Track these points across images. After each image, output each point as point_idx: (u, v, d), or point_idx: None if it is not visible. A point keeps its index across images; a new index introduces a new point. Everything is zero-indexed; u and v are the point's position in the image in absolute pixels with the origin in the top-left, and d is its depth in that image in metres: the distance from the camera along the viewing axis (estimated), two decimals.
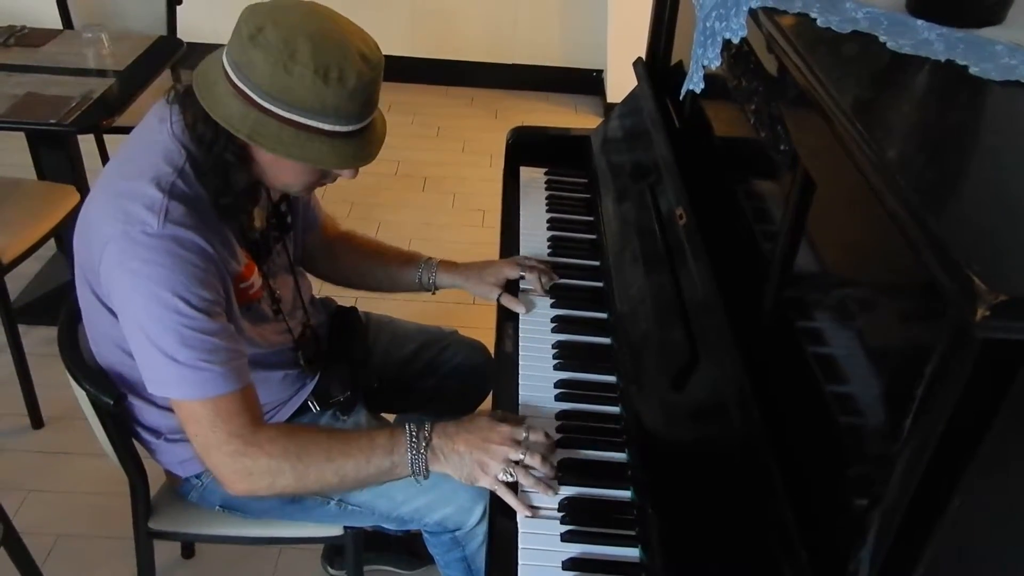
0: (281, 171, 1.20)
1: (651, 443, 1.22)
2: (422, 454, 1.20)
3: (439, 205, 3.35)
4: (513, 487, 1.19)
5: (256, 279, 1.29)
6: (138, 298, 1.11)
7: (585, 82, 4.26)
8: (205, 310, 1.13)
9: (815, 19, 0.96)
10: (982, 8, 0.94)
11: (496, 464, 1.19)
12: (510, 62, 4.27)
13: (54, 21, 2.84)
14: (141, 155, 1.18)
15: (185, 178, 1.15)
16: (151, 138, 1.19)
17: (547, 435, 1.25)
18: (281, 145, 1.11)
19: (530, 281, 1.56)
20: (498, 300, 1.55)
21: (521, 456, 1.20)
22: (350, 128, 1.13)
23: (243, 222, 1.25)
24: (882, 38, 0.91)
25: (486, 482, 1.20)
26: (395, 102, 3.79)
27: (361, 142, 1.16)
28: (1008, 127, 0.83)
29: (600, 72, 4.24)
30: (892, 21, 0.94)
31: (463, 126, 3.97)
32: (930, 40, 0.90)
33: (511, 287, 1.58)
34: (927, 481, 0.67)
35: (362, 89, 1.10)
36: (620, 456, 1.27)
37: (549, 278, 1.58)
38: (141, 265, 1.10)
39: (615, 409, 1.35)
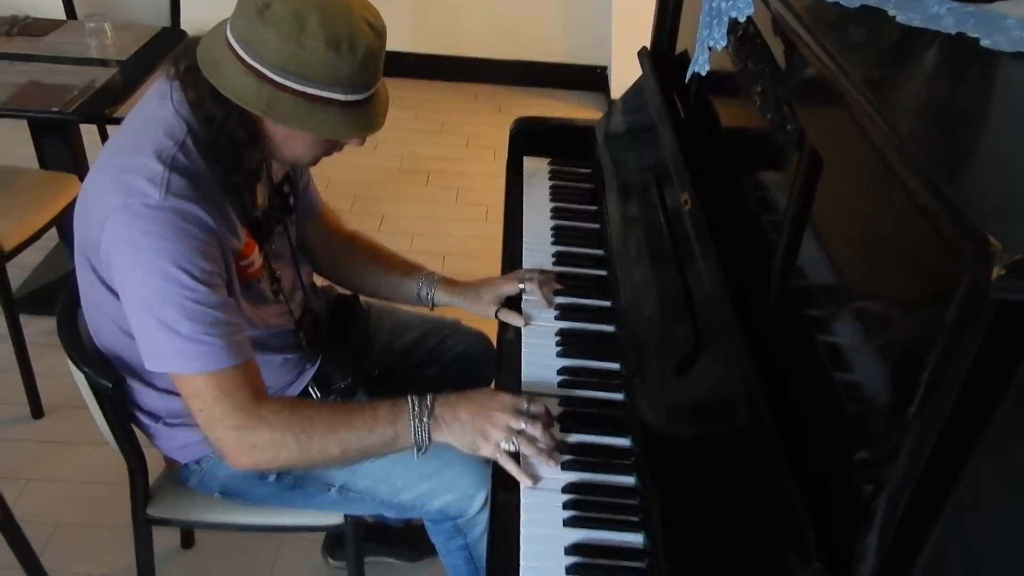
0: (293, 144, 1.20)
1: (654, 428, 1.21)
2: (425, 422, 1.20)
3: (442, 199, 3.34)
4: (515, 458, 1.19)
5: (256, 258, 1.28)
6: (140, 271, 1.11)
7: (589, 78, 4.25)
8: (207, 282, 1.13)
9: None
10: None
11: (498, 432, 1.19)
12: (514, 58, 4.26)
13: (58, 11, 2.83)
14: (142, 130, 1.17)
15: (186, 152, 1.14)
16: (152, 114, 1.18)
17: (547, 408, 1.24)
18: (296, 119, 1.11)
19: (532, 291, 1.52)
20: (496, 315, 1.52)
21: (523, 425, 1.20)
22: (360, 97, 1.14)
23: (245, 199, 1.24)
24: (891, 12, 0.90)
25: (487, 450, 1.20)
26: (398, 97, 3.74)
27: (371, 110, 1.17)
28: (1020, 97, 0.81)
29: (604, 68, 4.22)
30: None
31: (467, 121, 3.95)
32: (940, 14, 0.89)
33: (512, 304, 1.53)
34: (939, 453, 0.66)
35: (371, 57, 1.12)
36: (623, 442, 1.25)
37: (551, 288, 1.54)
38: (143, 237, 1.10)
39: (619, 396, 1.34)
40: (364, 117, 1.16)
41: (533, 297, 1.52)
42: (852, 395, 0.81)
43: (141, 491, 1.45)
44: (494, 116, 4.00)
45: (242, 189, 1.22)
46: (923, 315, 0.68)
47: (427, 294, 1.56)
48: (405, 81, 4.04)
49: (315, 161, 1.28)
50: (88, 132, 2.63)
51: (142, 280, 1.11)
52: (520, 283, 1.53)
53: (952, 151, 0.69)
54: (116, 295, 1.18)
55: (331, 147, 1.24)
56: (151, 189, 1.10)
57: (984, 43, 0.83)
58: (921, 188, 0.62)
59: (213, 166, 1.17)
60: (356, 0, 1.14)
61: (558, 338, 1.45)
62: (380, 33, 1.13)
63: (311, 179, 1.54)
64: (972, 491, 0.67)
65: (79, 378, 1.32)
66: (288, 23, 1.06)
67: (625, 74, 3.53)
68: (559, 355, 1.42)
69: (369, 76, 1.13)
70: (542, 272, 1.56)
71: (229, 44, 1.11)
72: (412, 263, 1.61)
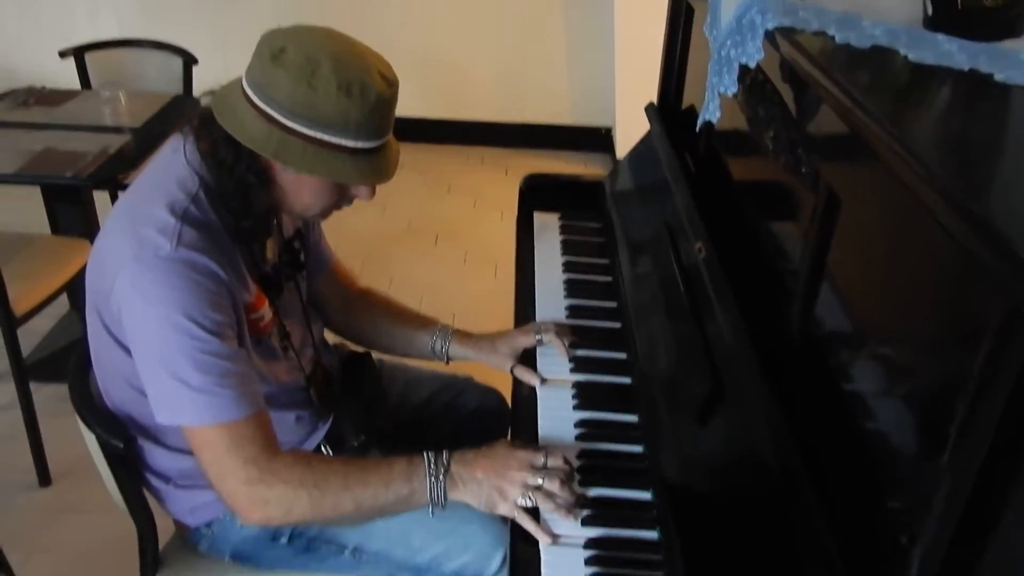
0: (302, 191, 1.20)
1: (676, 480, 1.18)
2: (441, 480, 1.17)
3: (451, 259, 3.35)
4: (534, 515, 1.16)
5: (266, 311, 1.27)
6: (151, 321, 1.10)
7: (594, 140, 4.30)
8: (218, 333, 1.12)
9: (833, 36, 0.96)
10: (1002, 21, 0.93)
11: (515, 490, 1.16)
12: (519, 121, 4.33)
13: (73, 82, 2.89)
14: (155, 183, 1.18)
15: (198, 204, 1.15)
16: (165, 167, 1.19)
17: (566, 460, 1.21)
18: (305, 162, 1.12)
19: (549, 342, 1.50)
20: (512, 371, 1.50)
21: (540, 481, 1.17)
22: (370, 145, 1.15)
23: (256, 251, 1.24)
24: (902, 51, 0.91)
25: (505, 509, 1.17)
26: (406, 160, 3.74)
27: (381, 160, 1.17)
28: None
29: (609, 130, 4.28)
30: (911, 35, 0.94)
31: (474, 183, 3.99)
32: (951, 52, 0.89)
33: (527, 357, 1.51)
34: (977, 496, 0.63)
35: (382, 105, 1.13)
36: (644, 495, 1.22)
37: (568, 339, 1.52)
38: (154, 288, 1.09)
39: (638, 448, 1.31)
40: (373, 165, 1.16)
41: (549, 350, 1.50)
42: (883, 439, 0.79)
43: (151, 556, 1.41)
44: (501, 178, 4.04)
45: (252, 238, 1.21)
46: (955, 347, 0.67)
47: (442, 347, 1.55)
48: (412, 145, 4.05)
49: (325, 213, 1.28)
50: (100, 199, 2.66)
51: (153, 331, 1.10)
52: (536, 335, 1.52)
53: (978, 179, 0.69)
54: (126, 350, 1.17)
55: (340, 198, 1.24)
56: (163, 240, 1.10)
57: (998, 77, 0.83)
58: (951, 212, 0.61)
59: (224, 216, 1.17)
60: (370, 52, 1.16)
61: (574, 391, 1.43)
62: (392, 84, 1.15)
63: (323, 235, 1.54)
64: (1014, 536, 0.64)
65: (89, 440, 1.30)
66: (300, 67, 1.08)
67: (629, 135, 3.57)
68: (575, 408, 1.39)
69: (379, 124, 1.14)
70: (557, 324, 1.55)
71: (243, 91, 1.13)
72: (426, 316, 1.60)
